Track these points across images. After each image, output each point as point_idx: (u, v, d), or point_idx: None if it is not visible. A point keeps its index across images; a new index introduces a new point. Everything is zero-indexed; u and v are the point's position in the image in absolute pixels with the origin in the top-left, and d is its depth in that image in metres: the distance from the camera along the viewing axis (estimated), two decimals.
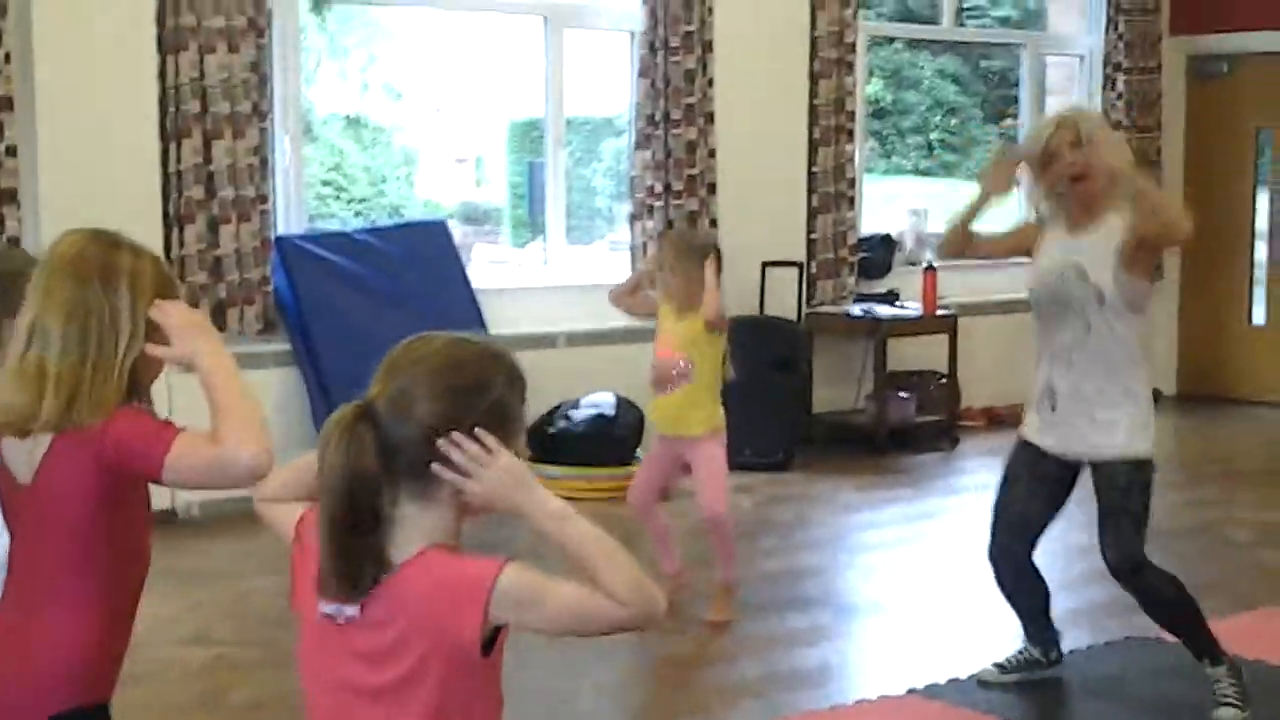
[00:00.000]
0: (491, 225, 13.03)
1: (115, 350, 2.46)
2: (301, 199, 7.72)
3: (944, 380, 9.05)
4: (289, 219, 7.51)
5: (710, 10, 8.34)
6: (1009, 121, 14.33)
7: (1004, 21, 14.59)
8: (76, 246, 2.52)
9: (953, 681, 4.97)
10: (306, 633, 2.15)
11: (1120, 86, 10.17)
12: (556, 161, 8.43)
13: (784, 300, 8.64)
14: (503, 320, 7.73)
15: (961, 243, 4.84)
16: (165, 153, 6.91)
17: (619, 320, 8.15)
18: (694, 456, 5.54)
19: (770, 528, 6.96)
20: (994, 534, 4.83)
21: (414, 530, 2.06)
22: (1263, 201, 10.52)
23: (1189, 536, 6.77)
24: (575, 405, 7.71)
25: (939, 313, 8.94)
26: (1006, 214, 5.31)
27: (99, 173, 6.73)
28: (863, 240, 9.26)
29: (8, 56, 6.49)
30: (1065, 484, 4.73)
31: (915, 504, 7.59)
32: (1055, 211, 4.64)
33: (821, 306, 8.93)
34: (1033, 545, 4.80)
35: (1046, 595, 4.92)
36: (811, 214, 8.91)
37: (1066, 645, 5.27)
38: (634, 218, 8.33)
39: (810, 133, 8.87)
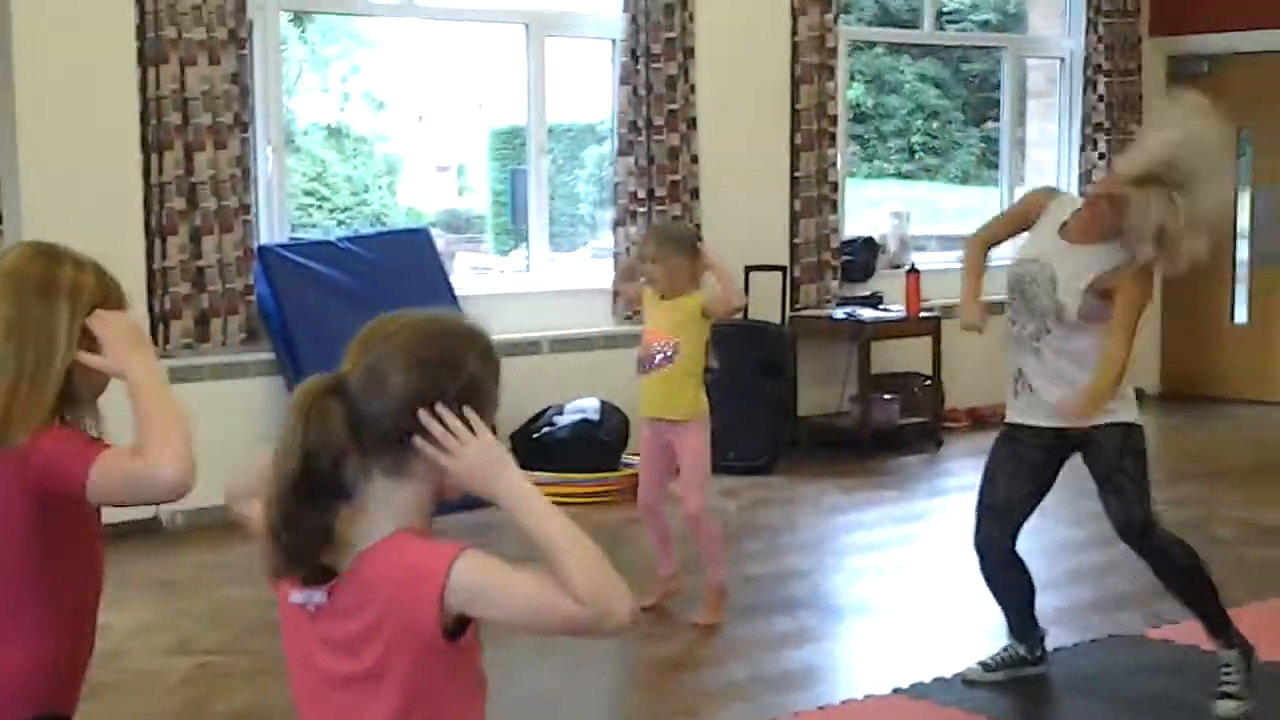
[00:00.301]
0: (474, 233, 13.04)
1: (49, 366, 2.44)
2: (284, 209, 7.72)
3: (928, 382, 9.07)
4: (271, 229, 7.51)
5: (691, 17, 8.35)
6: (990, 125, 14.37)
7: (984, 25, 14.66)
8: (16, 262, 2.50)
9: (938, 680, 4.98)
10: (285, 628, 2.14)
11: (1101, 88, 10.21)
12: (539, 169, 8.44)
13: (768, 304, 8.65)
14: (486, 327, 7.72)
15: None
16: (147, 164, 6.91)
17: (603, 326, 8.21)
18: (680, 447, 5.56)
19: (756, 531, 6.97)
20: (979, 522, 4.84)
21: (386, 508, 2.03)
22: (1244, 201, 10.55)
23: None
24: (560, 411, 7.72)
25: (922, 315, 8.95)
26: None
27: (81, 185, 6.73)
28: (845, 244, 9.28)
29: None
30: (1049, 468, 4.73)
31: (900, 505, 7.60)
32: (1073, 208, 4.63)
33: (805, 310, 8.95)
34: (1016, 532, 4.80)
35: (1031, 589, 4.91)
36: (794, 218, 8.94)
37: (1051, 643, 5.28)
38: (617, 224, 8.34)
39: (792, 137, 8.89)
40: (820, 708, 4.82)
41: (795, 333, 8.78)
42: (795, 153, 8.90)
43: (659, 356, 5.55)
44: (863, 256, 9.38)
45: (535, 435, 7.63)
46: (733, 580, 5.82)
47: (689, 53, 8.36)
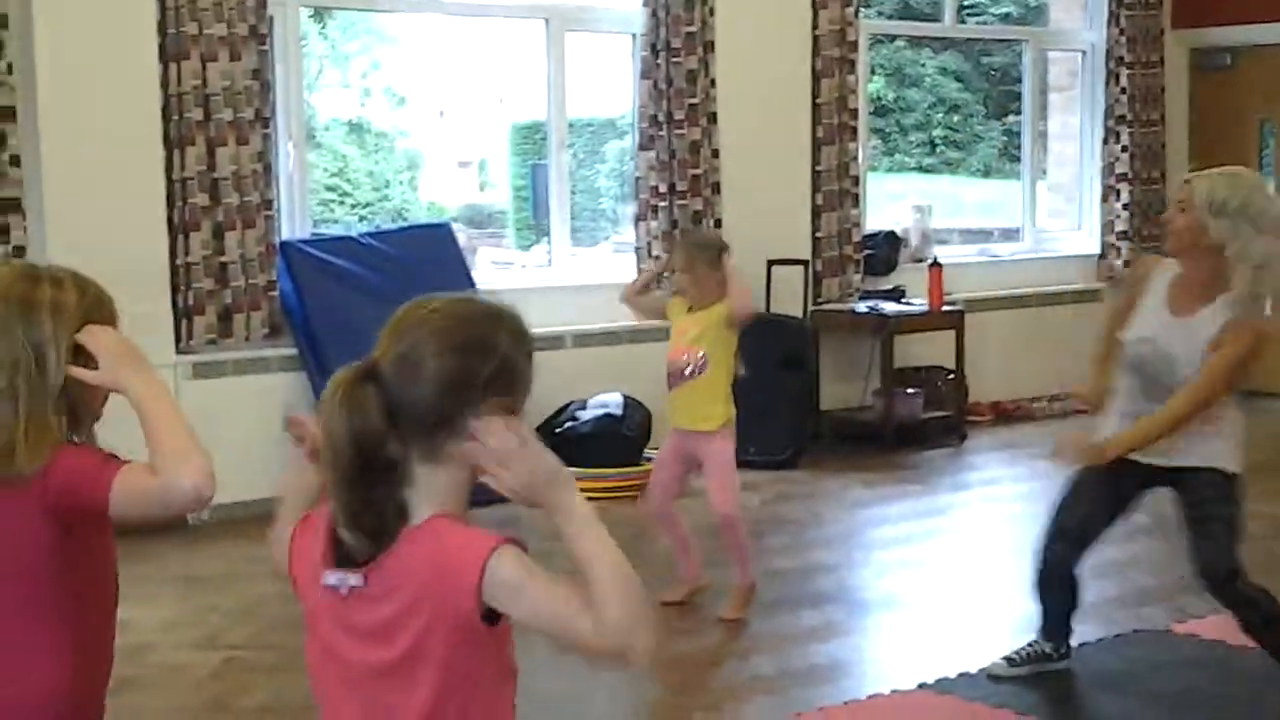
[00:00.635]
0: (495, 228, 13.04)
1: (45, 391, 2.42)
2: (305, 204, 7.73)
3: (951, 376, 9.04)
4: (293, 224, 7.53)
5: (711, 11, 8.34)
6: (1011, 118, 14.34)
7: (1005, 18, 14.62)
8: None
9: (963, 675, 4.96)
10: (310, 620, 2.12)
11: (1123, 81, 10.16)
12: (560, 163, 8.44)
13: (790, 298, 8.64)
14: None
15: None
16: (169, 160, 6.93)
17: (625, 320, 8.18)
18: (705, 454, 5.55)
19: (780, 525, 6.96)
20: (1049, 539, 4.72)
21: (425, 491, 2.03)
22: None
23: None
24: (583, 405, 7.72)
25: (945, 308, 8.92)
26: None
27: (103, 181, 6.74)
28: (867, 237, 9.25)
29: (10, 67, 6.50)
30: (1132, 501, 4.65)
31: (924, 500, 7.58)
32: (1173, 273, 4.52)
33: (827, 304, 8.93)
34: (1083, 555, 4.72)
35: (1076, 603, 4.86)
36: (816, 212, 8.92)
37: (1076, 639, 5.26)
38: (639, 218, 8.33)
39: (813, 131, 8.87)
40: (846, 702, 4.81)
41: (817, 327, 8.77)
42: (816, 146, 8.88)
43: (688, 370, 5.52)
44: (885, 250, 9.36)
45: (558, 430, 7.63)
46: (758, 575, 5.81)
47: (709, 47, 8.35)
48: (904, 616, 5.72)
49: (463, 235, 8.35)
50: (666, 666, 5.24)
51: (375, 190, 13.85)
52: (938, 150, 16.55)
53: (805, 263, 8.79)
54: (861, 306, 8.86)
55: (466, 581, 1.96)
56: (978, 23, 14.00)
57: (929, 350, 9.11)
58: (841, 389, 8.98)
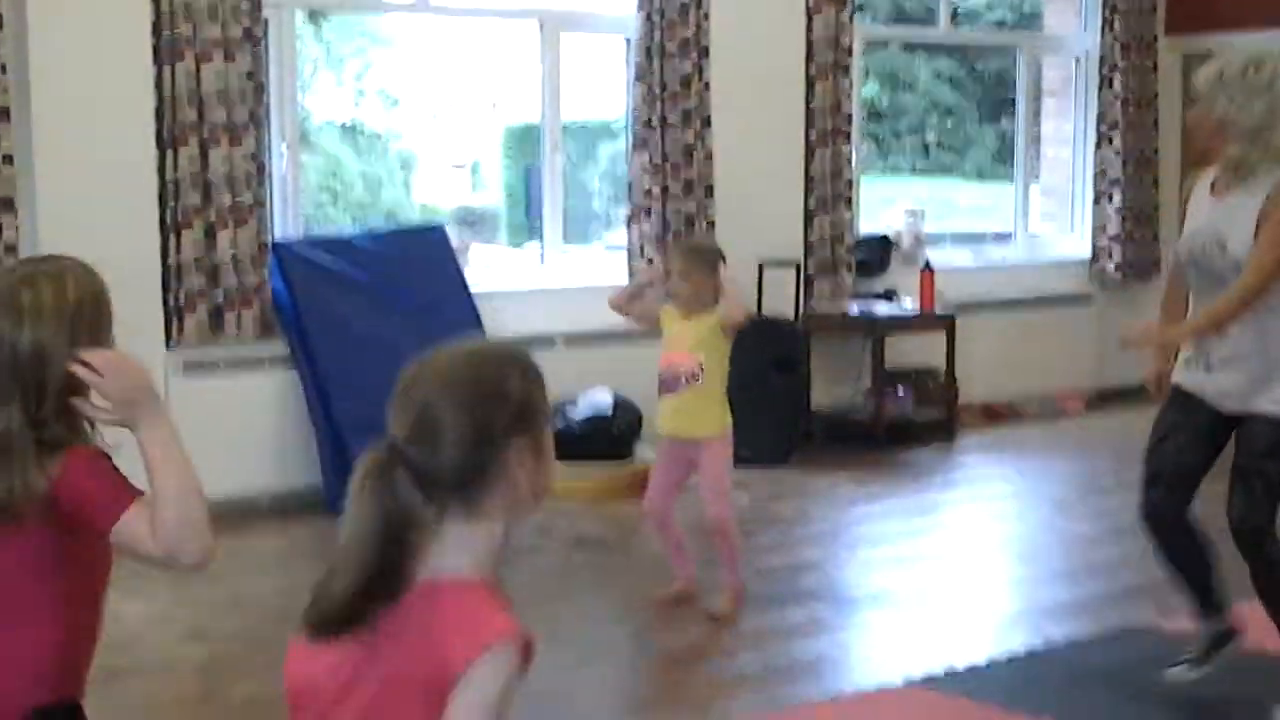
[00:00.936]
0: (488, 229, 13.06)
1: (43, 400, 2.45)
2: (298, 205, 7.75)
3: (942, 376, 9.06)
4: (286, 225, 7.54)
5: (706, 15, 8.36)
6: (1005, 122, 14.37)
7: (999, 24, 14.64)
8: None
9: (950, 672, 4.98)
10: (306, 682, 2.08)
11: (1117, 86, 10.19)
12: (553, 165, 8.46)
13: (782, 300, 8.66)
14: (501, 322, 7.75)
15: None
16: (162, 160, 6.94)
17: (616, 321, 8.19)
18: (703, 458, 5.55)
19: (770, 523, 6.97)
20: (1147, 491, 4.52)
21: (455, 547, 1.98)
22: None
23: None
24: (573, 404, 7.74)
25: (936, 311, 8.95)
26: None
27: (96, 180, 6.76)
28: (860, 240, 9.27)
29: (4, 66, 6.51)
30: (1221, 436, 4.46)
31: (914, 499, 7.60)
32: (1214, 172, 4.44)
33: (819, 306, 8.95)
34: (1188, 502, 4.49)
35: (1212, 557, 4.54)
36: (809, 215, 8.93)
37: (1065, 636, 5.29)
38: (631, 221, 8.35)
39: (807, 135, 8.89)
40: (833, 698, 4.83)
41: (809, 328, 8.78)
42: (810, 150, 8.90)
43: (684, 379, 5.51)
44: (877, 253, 9.38)
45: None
46: (747, 572, 5.84)
47: (703, 50, 8.37)
48: (892, 613, 5.74)
49: (455, 237, 8.36)
50: (653, 663, 5.26)
51: (368, 191, 13.87)
52: (931, 154, 16.58)
53: (797, 265, 8.81)
54: (853, 308, 8.88)
55: (458, 655, 1.91)
56: (972, 28, 14.02)
57: (920, 352, 9.13)
58: (833, 389, 9.00)
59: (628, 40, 8.35)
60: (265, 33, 7.26)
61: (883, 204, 11.18)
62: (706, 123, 8.41)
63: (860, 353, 8.91)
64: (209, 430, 7.01)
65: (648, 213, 8.29)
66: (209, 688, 4.90)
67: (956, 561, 6.47)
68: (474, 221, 13.03)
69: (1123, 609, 5.70)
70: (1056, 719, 4.60)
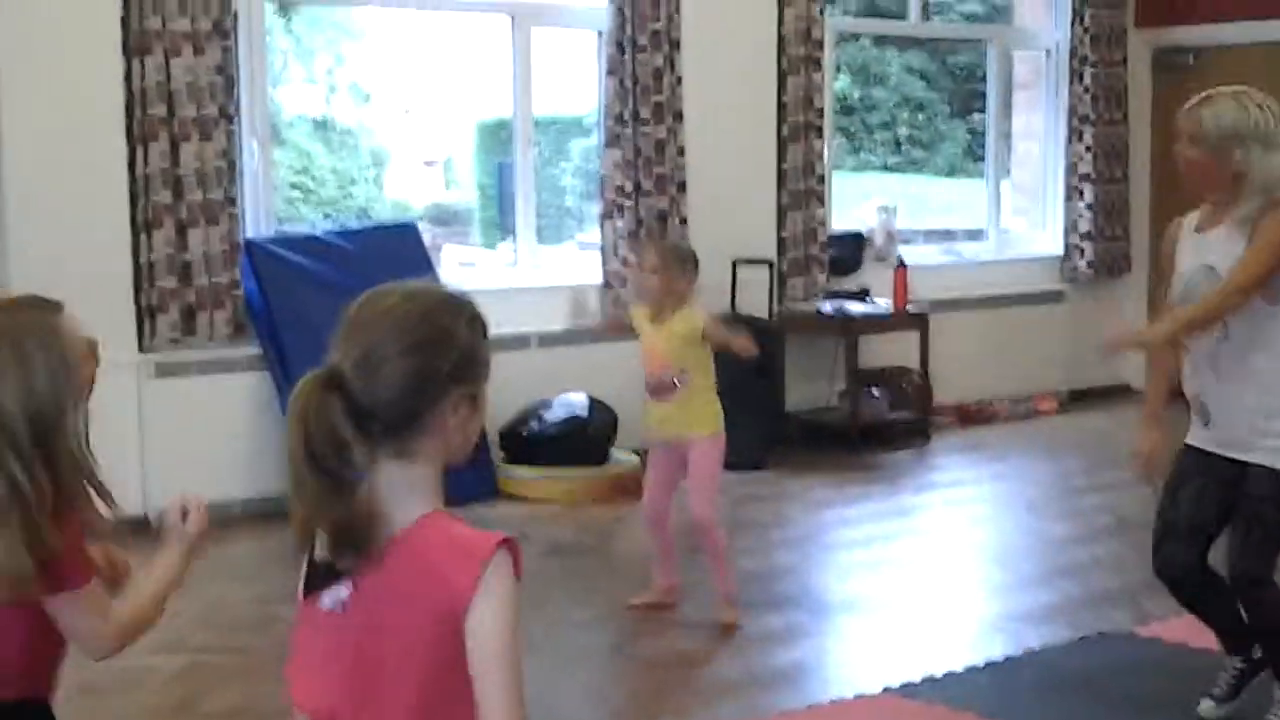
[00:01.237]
0: (461, 226, 13.00)
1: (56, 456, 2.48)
2: (270, 202, 7.68)
3: (916, 377, 9.06)
4: (258, 222, 7.47)
5: (677, 8, 8.33)
6: (976, 117, 14.38)
7: (970, 17, 14.64)
8: None
9: (928, 679, 4.97)
10: (311, 638, 2.09)
11: (1087, 80, 10.20)
12: (525, 161, 8.41)
13: (755, 298, 8.63)
14: None
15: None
16: (132, 157, 6.87)
17: (591, 320, 8.18)
18: (693, 458, 5.52)
19: (746, 527, 6.95)
20: (1158, 546, 4.43)
21: (403, 491, 2.02)
22: None
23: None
24: (548, 406, 7.69)
25: (910, 309, 8.94)
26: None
27: (66, 178, 6.69)
28: (833, 237, 9.26)
29: None
30: (1236, 485, 4.34)
31: (889, 501, 7.60)
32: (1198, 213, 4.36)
33: (793, 304, 8.93)
34: (1204, 552, 4.39)
35: (1231, 593, 4.42)
36: (781, 211, 8.91)
37: (1040, 640, 5.29)
38: (604, 217, 8.32)
39: (779, 130, 8.87)
40: (810, 706, 4.82)
41: (783, 327, 8.76)
42: (782, 145, 8.88)
43: (669, 388, 5.48)
44: (850, 250, 9.37)
45: (523, 431, 7.61)
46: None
47: (675, 45, 8.34)
48: (869, 619, 5.73)
49: (428, 234, 8.32)
50: (631, 671, 5.23)
51: (340, 188, 13.78)
52: (903, 149, 16.58)
53: (771, 263, 8.78)
54: (827, 307, 8.86)
55: (470, 571, 1.96)
56: (943, 21, 14.01)
57: (894, 351, 9.12)
58: (807, 389, 8.99)
59: (599, 34, 8.31)
60: (235, 26, 7.19)
61: (854, 200, 11.17)
62: (679, 118, 8.38)
63: (834, 352, 8.90)
64: (182, 435, 6.96)
65: (620, 209, 8.25)
66: (184, 699, 4.85)
67: (933, 566, 6.47)
68: (447, 220, 12.97)
69: (1098, 612, 5.70)
70: None
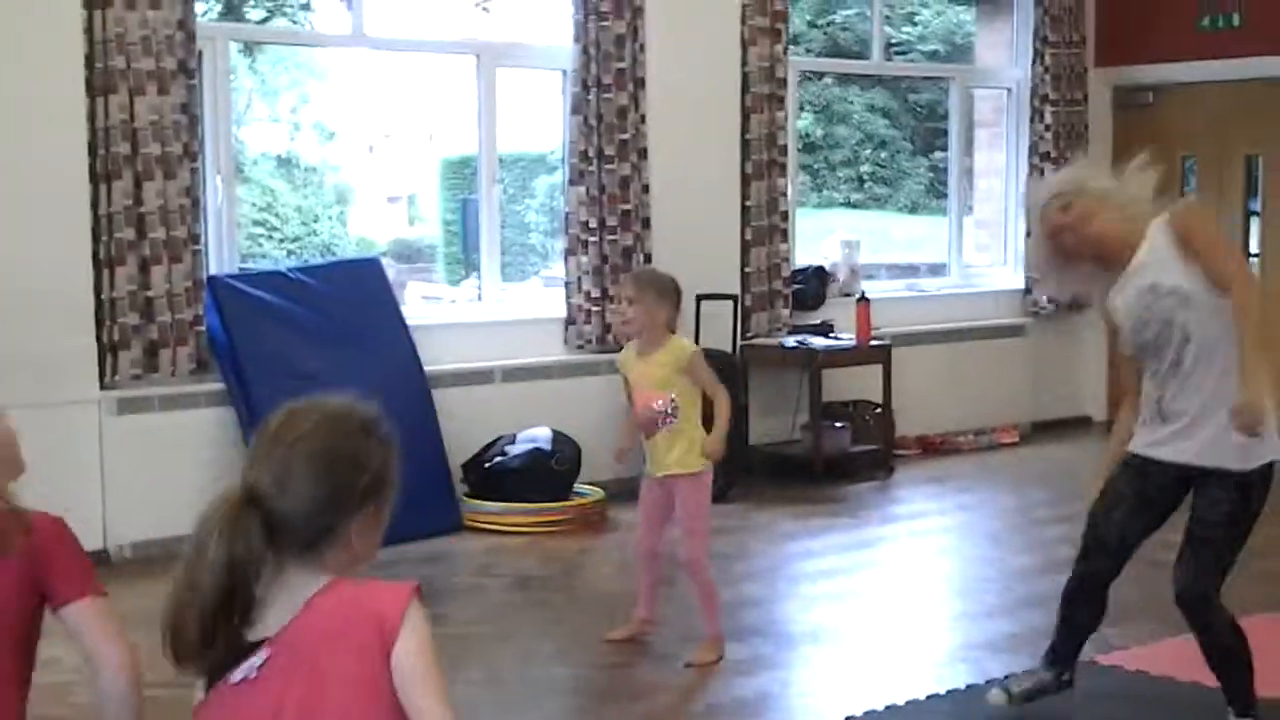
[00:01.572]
0: (425, 262, 13.02)
1: None
2: (233, 239, 7.69)
3: (879, 410, 9.11)
4: (221, 259, 7.48)
5: (642, 47, 8.38)
6: (938, 154, 14.48)
7: (932, 56, 14.77)
8: None
9: (890, 708, 4.98)
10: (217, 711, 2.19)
11: (1048, 118, 10.30)
12: (490, 198, 8.44)
13: (719, 333, 8.67)
14: (438, 357, 7.72)
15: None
16: (95, 194, 6.87)
17: (555, 355, 8.21)
18: (683, 496, 5.50)
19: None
20: (1086, 554, 4.55)
21: (301, 590, 2.14)
22: None
23: None
24: (512, 440, 7.70)
25: (873, 343, 8.99)
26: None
27: (29, 215, 6.68)
28: (796, 272, 9.32)
29: None
30: (1172, 503, 4.45)
31: (852, 533, 7.62)
32: (1102, 280, 4.43)
33: (756, 339, 8.97)
34: (1120, 568, 4.55)
35: (1099, 625, 4.71)
36: (745, 247, 8.96)
37: (1004, 669, 5.31)
38: (569, 253, 8.35)
39: (743, 167, 8.92)
40: None
41: (746, 361, 8.81)
42: (746, 182, 8.94)
43: (660, 420, 5.45)
44: (813, 285, 9.42)
45: (487, 465, 7.61)
46: (688, 609, 5.82)
47: (640, 83, 8.39)
48: (832, 650, 5.74)
49: (392, 270, 8.34)
50: (597, 700, 5.23)
51: (304, 225, 13.79)
52: (865, 186, 16.69)
53: (734, 297, 8.83)
54: (790, 341, 8.91)
55: (392, 611, 2.09)
56: (905, 61, 14.14)
57: (857, 384, 9.17)
58: (770, 423, 9.02)
59: (564, 72, 8.36)
60: (199, 65, 7.21)
61: (818, 236, 11.23)
62: (643, 155, 8.42)
63: (798, 385, 8.94)
64: (144, 471, 6.94)
65: (585, 245, 8.29)
66: None
67: (896, 596, 6.49)
68: (411, 256, 12.99)
69: None
70: None
